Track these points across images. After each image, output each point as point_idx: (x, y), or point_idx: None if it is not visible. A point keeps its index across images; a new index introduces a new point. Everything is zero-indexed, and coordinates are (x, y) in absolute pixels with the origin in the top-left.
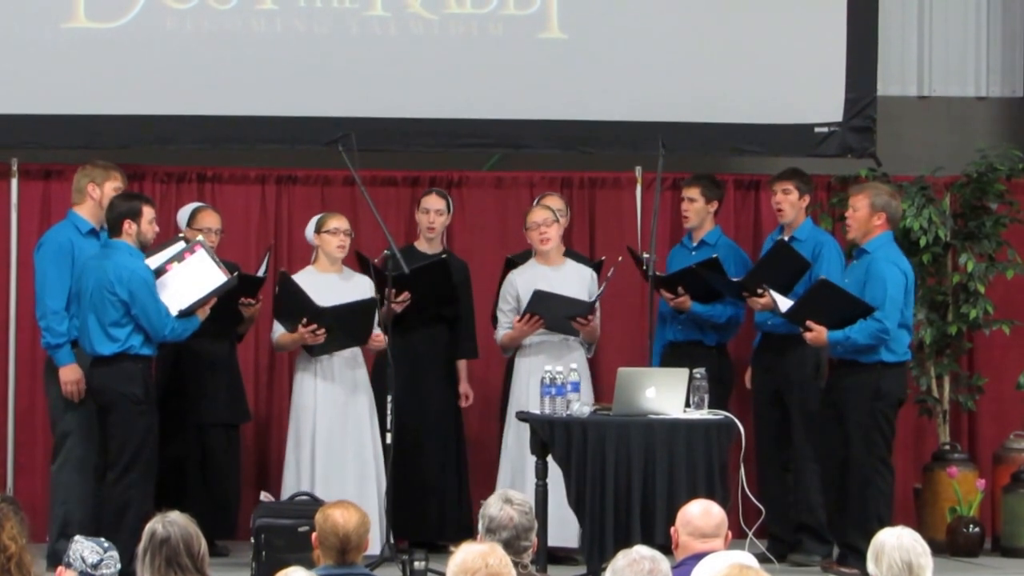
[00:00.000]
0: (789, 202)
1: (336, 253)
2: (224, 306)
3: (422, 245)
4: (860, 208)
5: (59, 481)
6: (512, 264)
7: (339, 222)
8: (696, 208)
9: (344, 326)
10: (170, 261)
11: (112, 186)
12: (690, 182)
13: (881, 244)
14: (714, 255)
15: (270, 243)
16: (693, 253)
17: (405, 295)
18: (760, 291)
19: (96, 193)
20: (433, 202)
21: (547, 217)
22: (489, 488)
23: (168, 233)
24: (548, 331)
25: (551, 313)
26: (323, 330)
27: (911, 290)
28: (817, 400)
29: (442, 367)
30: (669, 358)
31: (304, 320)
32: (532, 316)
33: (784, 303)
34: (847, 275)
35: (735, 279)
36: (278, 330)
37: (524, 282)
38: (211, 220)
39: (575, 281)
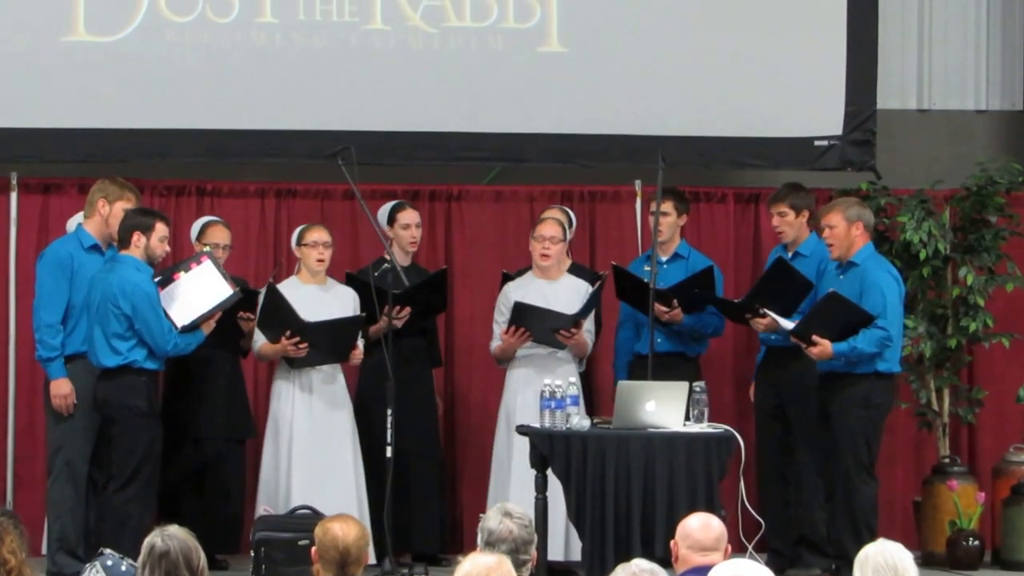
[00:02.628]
0: (787, 223)
1: (315, 267)
2: (224, 320)
3: (398, 258)
4: (837, 224)
5: (53, 496)
6: (509, 279)
7: (318, 235)
8: (669, 222)
9: (327, 341)
10: (176, 270)
11: (122, 206)
12: (662, 196)
13: (869, 254)
14: (710, 264)
15: (280, 261)
16: (665, 267)
17: (406, 311)
18: (762, 312)
19: (105, 210)
20: (412, 216)
21: (555, 234)
22: (484, 499)
23: (171, 247)
24: (536, 344)
25: (535, 326)
26: (305, 344)
27: (902, 299)
28: (817, 415)
29: (426, 377)
30: (655, 369)
31: (288, 333)
32: (518, 329)
33: (786, 323)
34: (838, 289)
35: (736, 300)
36: (260, 339)
37: (519, 296)
38: (219, 235)
39: (568, 296)
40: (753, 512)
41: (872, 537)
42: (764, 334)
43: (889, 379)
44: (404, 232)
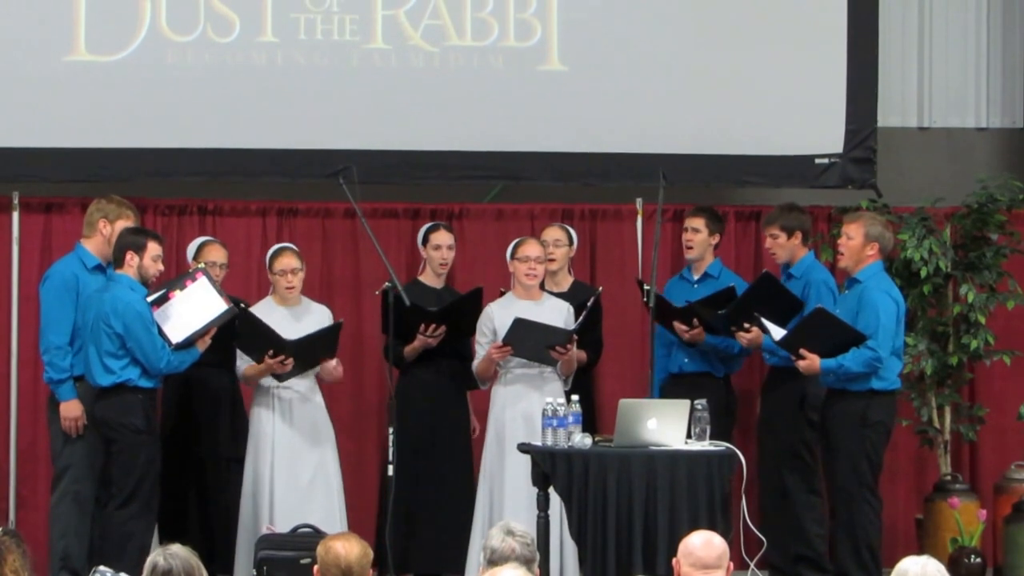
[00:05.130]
0: (778, 245)
1: (284, 294)
2: (225, 339)
3: (428, 279)
4: (855, 237)
5: (58, 514)
6: None
7: (285, 262)
8: (700, 239)
9: (308, 353)
10: (172, 289)
11: (123, 224)
12: (694, 212)
13: (873, 273)
14: (731, 284)
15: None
16: (696, 286)
17: (442, 329)
18: (747, 326)
19: (107, 230)
20: (444, 238)
21: (540, 254)
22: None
23: (170, 268)
24: (527, 361)
25: (530, 341)
26: (290, 360)
27: (902, 319)
28: (801, 432)
29: (461, 399)
30: (677, 388)
31: (271, 352)
32: (505, 345)
33: (777, 331)
34: (839, 305)
35: (721, 312)
36: (243, 364)
37: (501, 315)
38: (215, 254)
39: (553, 316)
40: (755, 529)
41: (874, 558)
42: (765, 353)
43: (887, 396)
44: (435, 253)
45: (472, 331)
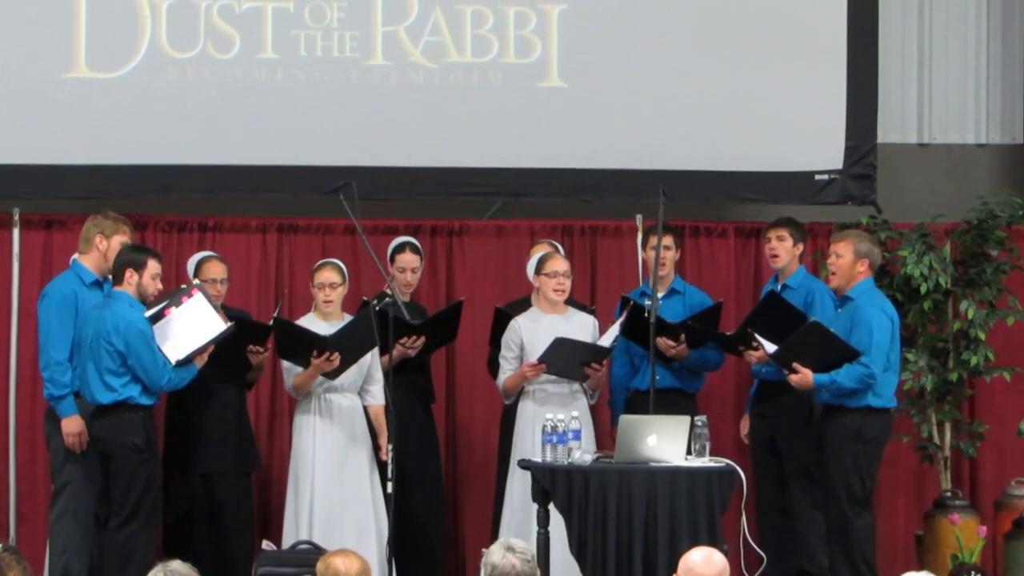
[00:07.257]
0: (784, 248)
1: (323, 308)
2: (231, 353)
3: (397, 295)
4: (844, 255)
5: (58, 531)
6: (502, 314)
7: (324, 276)
8: (671, 256)
9: (349, 344)
10: (168, 306)
11: (119, 240)
12: (665, 230)
13: (865, 289)
14: (721, 300)
15: (283, 292)
16: (661, 302)
17: (421, 340)
18: (755, 344)
19: (103, 245)
20: (409, 261)
21: (567, 268)
22: (487, 533)
23: (170, 284)
24: (558, 377)
25: (566, 359)
26: (336, 355)
27: (897, 334)
28: (812, 447)
29: (426, 413)
30: (654, 405)
31: (315, 353)
32: (540, 363)
33: (770, 347)
34: (833, 323)
35: (729, 333)
36: (290, 375)
37: (530, 330)
38: (216, 270)
39: (581, 329)
40: (755, 546)
41: (871, 570)
42: (756, 367)
43: (883, 414)
44: (400, 275)
45: (450, 340)
